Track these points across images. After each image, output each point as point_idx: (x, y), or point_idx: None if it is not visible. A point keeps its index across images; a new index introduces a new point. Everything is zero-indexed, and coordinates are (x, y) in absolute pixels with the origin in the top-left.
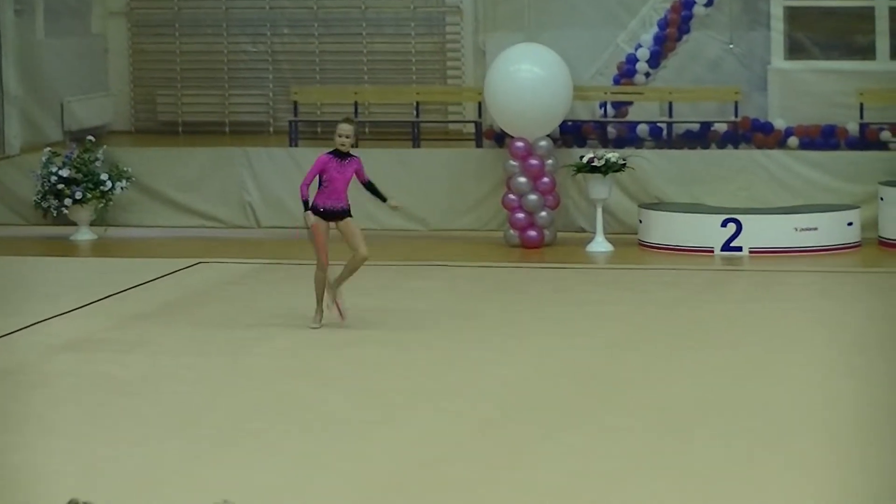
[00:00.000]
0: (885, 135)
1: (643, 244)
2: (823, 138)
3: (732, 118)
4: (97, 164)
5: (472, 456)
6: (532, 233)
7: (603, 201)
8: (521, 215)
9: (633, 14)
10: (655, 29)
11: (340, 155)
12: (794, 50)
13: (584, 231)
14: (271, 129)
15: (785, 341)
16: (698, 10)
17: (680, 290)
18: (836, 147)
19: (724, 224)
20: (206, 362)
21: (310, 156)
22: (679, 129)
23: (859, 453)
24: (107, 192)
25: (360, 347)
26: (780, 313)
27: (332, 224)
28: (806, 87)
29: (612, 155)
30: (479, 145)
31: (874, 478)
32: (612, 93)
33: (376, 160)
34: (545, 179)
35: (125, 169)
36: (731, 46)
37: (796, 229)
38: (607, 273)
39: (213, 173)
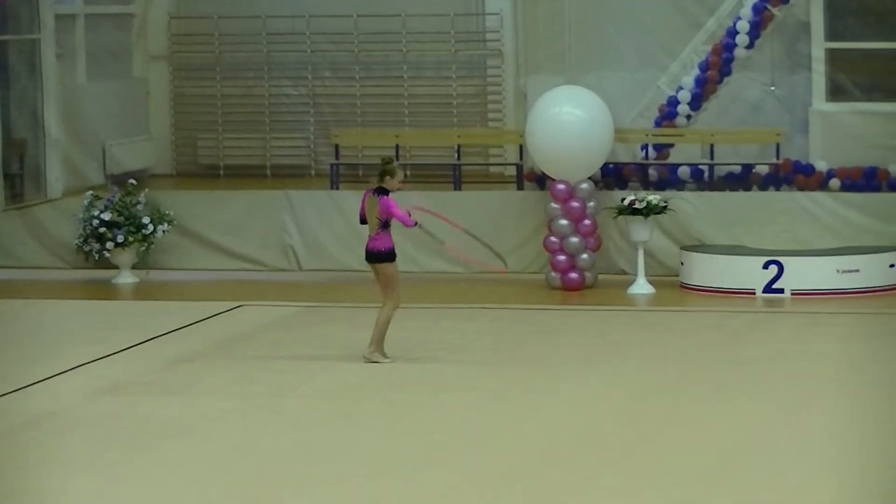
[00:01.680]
0: None
1: (685, 286)
2: (865, 180)
3: (774, 160)
4: (139, 207)
5: (513, 499)
6: (573, 275)
7: (644, 243)
8: (562, 258)
9: (674, 57)
10: (696, 71)
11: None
12: (836, 92)
13: (625, 273)
14: (312, 172)
15: (825, 384)
16: (739, 52)
17: (722, 332)
18: (877, 189)
19: (765, 266)
20: (247, 404)
21: (351, 199)
22: (720, 171)
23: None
24: (148, 235)
25: (401, 389)
26: (822, 356)
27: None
28: (847, 129)
29: (654, 197)
30: (520, 188)
31: None
32: (654, 135)
33: (417, 203)
34: (586, 222)
35: (167, 212)
36: (773, 88)
37: (838, 271)
38: (649, 315)
39: (254, 216)
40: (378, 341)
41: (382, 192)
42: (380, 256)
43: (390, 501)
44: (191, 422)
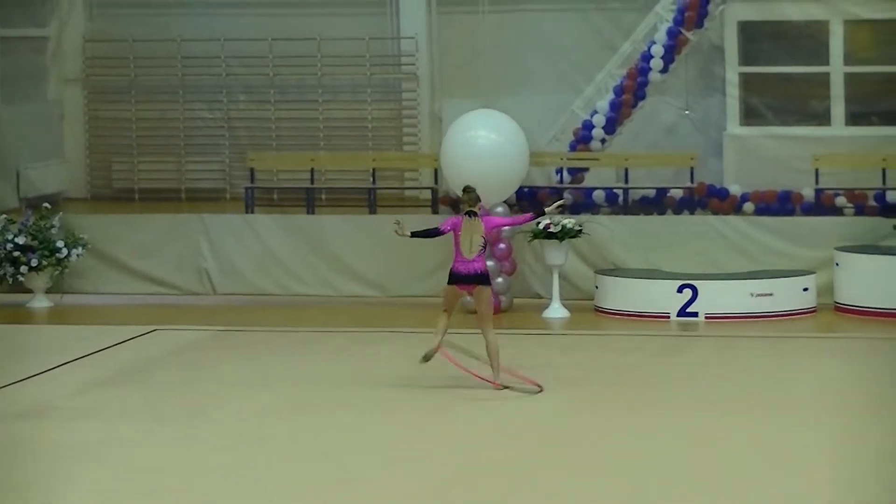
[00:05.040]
0: (841, 200)
1: (599, 310)
2: (779, 204)
3: (688, 184)
4: (53, 231)
5: None
6: None
7: (559, 267)
8: None
9: (589, 80)
10: (611, 95)
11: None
12: (750, 115)
13: (540, 297)
14: (228, 196)
15: (739, 406)
16: (654, 76)
17: (636, 355)
18: (791, 212)
19: (680, 290)
20: (161, 428)
21: (267, 223)
22: (635, 194)
23: None
24: (63, 259)
25: (315, 412)
26: (735, 378)
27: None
28: (761, 153)
29: (569, 221)
30: (435, 211)
31: None
32: (569, 159)
33: (333, 226)
34: (501, 245)
35: (81, 236)
36: (687, 112)
37: (752, 294)
38: (564, 339)
39: (169, 240)
40: (499, 367)
41: (474, 215)
42: (484, 278)
43: None
44: (104, 445)
